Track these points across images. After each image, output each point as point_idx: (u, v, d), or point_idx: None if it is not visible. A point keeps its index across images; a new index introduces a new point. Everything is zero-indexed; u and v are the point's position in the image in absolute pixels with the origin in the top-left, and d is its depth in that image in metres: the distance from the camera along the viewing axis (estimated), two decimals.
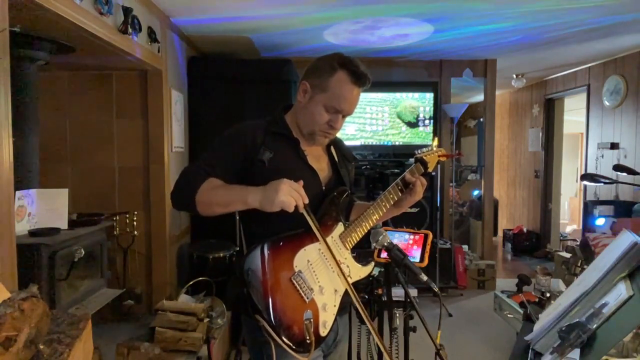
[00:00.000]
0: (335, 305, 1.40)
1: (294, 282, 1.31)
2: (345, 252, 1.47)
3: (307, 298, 1.32)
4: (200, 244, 3.92)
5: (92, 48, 2.82)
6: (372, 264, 1.56)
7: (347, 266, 1.46)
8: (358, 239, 1.50)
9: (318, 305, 1.35)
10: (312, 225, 1.33)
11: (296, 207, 1.28)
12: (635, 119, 4.90)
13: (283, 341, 1.25)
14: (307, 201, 1.30)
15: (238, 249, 3.69)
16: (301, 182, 1.31)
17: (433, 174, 4.76)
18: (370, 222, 1.51)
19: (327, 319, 1.37)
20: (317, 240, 1.38)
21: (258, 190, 1.29)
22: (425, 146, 1.67)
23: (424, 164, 1.57)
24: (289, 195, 1.25)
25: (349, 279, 1.43)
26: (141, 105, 3.68)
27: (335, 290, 1.41)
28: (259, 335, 1.29)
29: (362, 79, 1.42)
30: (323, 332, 1.35)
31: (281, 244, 1.34)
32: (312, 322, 1.31)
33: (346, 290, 1.42)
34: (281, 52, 4.79)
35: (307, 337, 1.29)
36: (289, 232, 1.37)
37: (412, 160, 1.62)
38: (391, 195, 1.52)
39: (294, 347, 1.26)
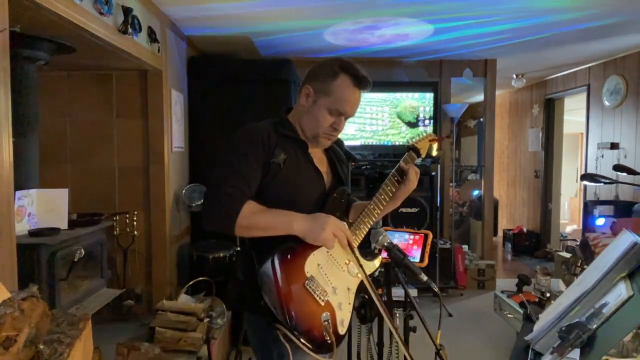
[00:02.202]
0: (350, 303, 1.43)
1: (308, 287, 1.33)
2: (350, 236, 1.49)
3: (322, 301, 1.35)
4: (200, 244, 3.92)
5: (92, 48, 2.81)
6: (379, 257, 1.58)
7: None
8: (362, 237, 1.53)
9: (334, 306, 1.38)
10: (356, 262, 1.40)
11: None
12: (635, 119, 4.90)
13: (306, 346, 1.27)
14: (352, 239, 1.40)
15: (238, 249, 3.68)
16: (344, 223, 1.41)
17: (433, 173, 4.77)
18: (372, 218, 1.54)
19: (344, 317, 1.40)
20: None
21: (304, 220, 1.35)
22: (420, 134, 1.73)
23: (416, 151, 1.63)
24: (333, 233, 1.34)
25: (359, 276, 1.46)
26: (141, 105, 3.68)
27: (348, 289, 1.44)
28: (269, 334, 1.31)
29: (364, 82, 1.47)
30: (342, 330, 1.38)
31: (291, 252, 1.36)
32: (330, 323, 1.34)
33: (358, 286, 1.47)
34: (281, 52, 4.79)
35: (327, 338, 1.31)
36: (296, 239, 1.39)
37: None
38: (389, 188, 1.56)
39: (316, 350, 1.29)
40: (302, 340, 1.27)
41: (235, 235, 1.37)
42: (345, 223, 1.40)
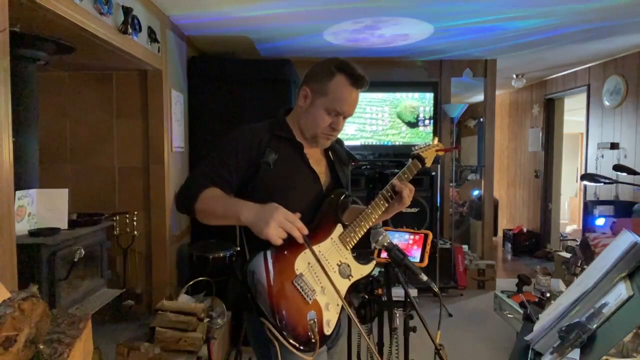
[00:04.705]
0: (337, 304, 1.43)
1: (296, 285, 1.34)
2: (346, 252, 1.50)
3: (310, 299, 1.35)
4: (200, 244, 3.92)
5: (92, 48, 2.81)
6: (373, 262, 1.58)
7: (348, 265, 1.49)
8: (357, 239, 1.53)
9: (321, 305, 1.38)
10: (313, 255, 1.35)
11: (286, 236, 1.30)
12: (635, 119, 4.90)
13: (289, 342, 1.28)
14: (305, 232, 1.32)
15: (238, 249, 3.68)
16: (298, 215, 1.32)
17: (433, 173, 4.77)
18: (363, 229, 1.53)
19: (330, 317, 1.40)
20: (317, 242, 1.42)
21: (251, 211, 1.30)
22: (424, 142, 1.71)
23: (421, 160, 1.63)
24: (279, 228, 1.26)
25: (350, 278, 1.48)
26: (141, 105, 3.67)
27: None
28: (265, 334, 1.32)
29: (360, 81, 1.46)
30: (327, 330, 1.39)
31: (282, 249, 1.35)
32: (316, 322, 1.34)
33: (348, 287, 1.47)
34: (281, 52, 4.79)
35: (312, 337, 1.32)
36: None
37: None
38: (382, 202, 1.55)
39: (300, 347, 1.30)
40: (285, 335, 1.28)
41: (200, 221, 1.40)
42: (298, 215, 1.32)
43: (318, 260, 1.34)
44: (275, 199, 1.40)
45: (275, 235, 1.26)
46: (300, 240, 1.31)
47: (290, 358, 1.32)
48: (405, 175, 1.61)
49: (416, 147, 1.66)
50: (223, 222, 1.38)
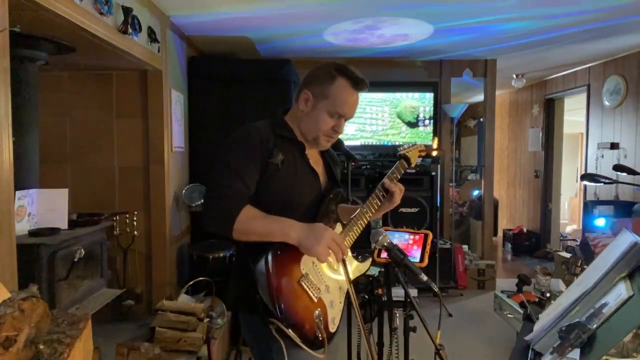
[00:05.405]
0: (341, 302, 1.47)
1: (303, 284, 1.35)
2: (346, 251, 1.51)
3: (315, 298, 1.37)
4: (200, 244, 3.93)
5: (92, 48, 2.81)
6: (369, 259, 1.63)
7: (347, 263, 1.50)
8: (355, 238, 1.56)
9: (326, 303, 1.40)
10: (345, 277, 1.41)
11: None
12: (635, 119, 4.90)
13: (298, 339, 1.30)
14: (347, 255, 1.40)
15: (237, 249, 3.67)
16: (343, 236, 1.42)
17: (433, 173, 4.77)
18: (363, 222, 1.57)
19: (335, 315, 1.43)
20: None
21: (301, 230, 1.34)
22: (408, 143, 1.77)
23: (407, 160, 1.67)
24: (328, 247, 1.33)
25: (350, 276, 1.48)
26: (141, 105, 3.68)
27: (340, 288, 1.48)
28: (265, 332, 1.32)
29: (361, 84, 1.49)
30: (332, 328, 1.41)
31: (287, 249, 1.36)
32: (322, 320, 1.36)
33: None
34: (281, 52, 4.79)
35: (319, 335, 1.33)
36: None
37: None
38: (375, 201, 1.59)
39: (307, 345, 1.31)
40: (294, 333, 1.29)
41: (233, 239, 1.37)
42: (343, 237, 1.41)
43: (348, 277, 1.40)
44: (279, 199, 1.42)
45: (325, 253, 1.33)
46: (340, 262, 1.39)
47: (296, 357, 1.33)
48: (394, 175, 1.64)
49: (401, 148, 1.71)
50: (262, 240, 1.37)
